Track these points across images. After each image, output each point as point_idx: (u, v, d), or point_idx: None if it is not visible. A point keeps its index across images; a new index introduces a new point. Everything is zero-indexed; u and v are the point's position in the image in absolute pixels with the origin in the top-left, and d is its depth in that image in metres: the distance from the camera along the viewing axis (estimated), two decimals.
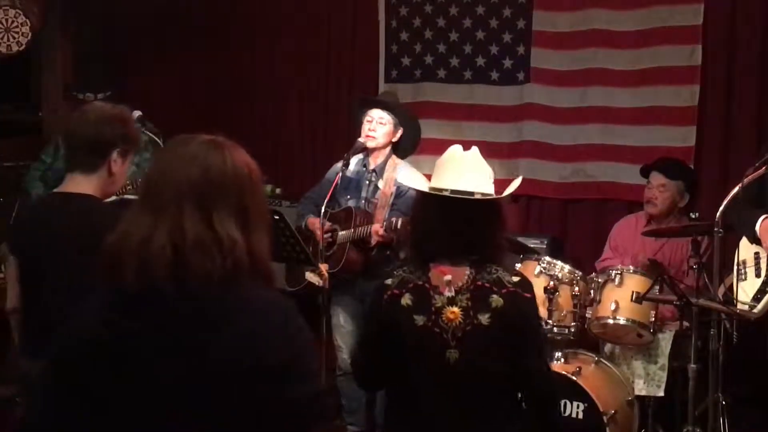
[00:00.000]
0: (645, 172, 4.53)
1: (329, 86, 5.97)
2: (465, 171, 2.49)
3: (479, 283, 2.42)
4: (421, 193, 2.58)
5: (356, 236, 4.07)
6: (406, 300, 2.44)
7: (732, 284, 3.78)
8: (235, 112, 6.18)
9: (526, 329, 2.46)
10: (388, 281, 2.50)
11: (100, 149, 2.69)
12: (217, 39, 6.22)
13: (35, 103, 5.99)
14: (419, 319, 2.43)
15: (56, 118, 5.88)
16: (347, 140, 4.88)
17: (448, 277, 2.43)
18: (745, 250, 3.78)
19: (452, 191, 2.45)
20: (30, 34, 5.43)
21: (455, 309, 2.41)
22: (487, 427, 2.45)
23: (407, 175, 3.55)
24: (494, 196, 2.49)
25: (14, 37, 5.38)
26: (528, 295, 2.46)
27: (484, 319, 2.40)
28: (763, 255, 3.66)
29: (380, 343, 2.52)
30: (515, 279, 2.45)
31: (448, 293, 2.43)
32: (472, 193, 2.45)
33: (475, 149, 2.57)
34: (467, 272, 2.44)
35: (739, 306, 3.60)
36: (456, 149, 2.57)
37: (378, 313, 2.54)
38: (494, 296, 2.40)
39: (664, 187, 4.40)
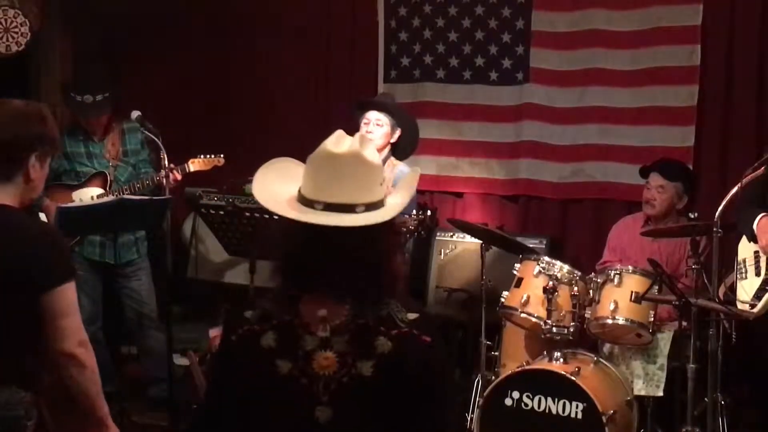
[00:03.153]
0: (644, 173, 4.53)
1: (329, 86, 5.97)
2: (343, 175, 1.87)
3: (362, 321, 1.87)
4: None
5: None
6: (267, 340, 1.88)
7: (732, 284, 3.79)
8: (234, 112, 6.18)
9: (422, 384, 1.87)
10: (247, 314, 1.94)
11: (15, 155, 2.44)
12: (217, 39, 6.21)
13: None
14: (283, 366, 1.86)
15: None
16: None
17: (323, 312, 1.87)
18: (745, 249, 3.79)
19: (326, 205, 1.85)
20: (29, 35, 5.43)
21: (329, 354, 1.86)
22: None
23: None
24: (378, 217, 1.87)
25: (13, 38, 5.38)
26: (427, 339, 1.88)
27: (365, 368, 1.85)
28: (762, 254, 3.67)
29: (223, 397, 1.96)
30: (411, 317, 1.90)
31: (322, 333, 1.87)
32: (352, 207, 1.85)
33: (354, 138, 1.95)
34: (348, 307, 1.89)
35: (740, 305, 3.61)
36: (330, 143, 1.93)
37: (224, 356, 1.98)
38: (381, 339, 1.86)
39: (663, 189, 4.41)
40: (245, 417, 1.92)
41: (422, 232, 3.75)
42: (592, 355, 4.11)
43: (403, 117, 4.34)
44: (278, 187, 1.96)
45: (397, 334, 1.87)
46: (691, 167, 4.79)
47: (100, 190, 4.80)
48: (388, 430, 1.88)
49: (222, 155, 4.90)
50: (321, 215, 1.84)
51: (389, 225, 1.92)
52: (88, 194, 4.78)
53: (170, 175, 4.67)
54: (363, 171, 1.88)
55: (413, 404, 1.88)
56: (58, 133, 2.66)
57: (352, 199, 1.85)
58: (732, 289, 3.79)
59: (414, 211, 3.81)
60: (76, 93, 4.81)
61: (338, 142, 1.93)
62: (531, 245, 4.71)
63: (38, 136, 2.48)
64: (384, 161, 4.23)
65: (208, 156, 4.86)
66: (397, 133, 4.27)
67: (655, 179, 4.45)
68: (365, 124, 4.27)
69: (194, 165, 4.81)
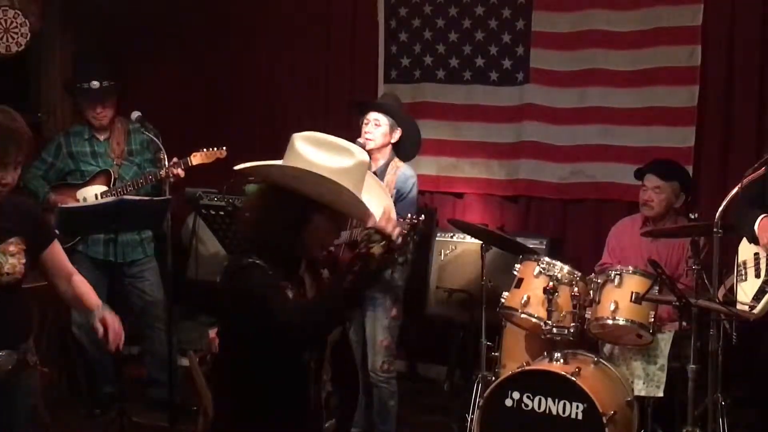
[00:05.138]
0: (639, 175, 4.53)
1: (329, 86, 5.97)
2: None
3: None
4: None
5: (352, 238, 4.07)
6: None
7: (732, 285, 3.78)
8: (234, 113, 6.18)
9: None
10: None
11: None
12: (217, 40, 6.22)
13: (34, 104, 5.98)
14: None
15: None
16: (347, 140, 4.88)
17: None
18: (746, 250, 3.79)
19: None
20: (29, 35, 5.43)
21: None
22: None
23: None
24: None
25: (13, 38, 5.38)
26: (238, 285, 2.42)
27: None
28: (762, 255, 3.67)
29: None
30: (246, 262, 2.40)
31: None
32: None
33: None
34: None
35: (740, 306, 3.61)
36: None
37: None
38: (224, 269, 2.52)
39: (659, 189, 4.41)
40: None
41: (415, 236, 3.74)
42: (593, 356, 4.11)
43: (403, 117, 4.34)
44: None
45: (226, 267, 2.49)
46: (691, 168, 4.79)
47: (104, 188, 4.80)
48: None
49: (224, 147, 4.89)
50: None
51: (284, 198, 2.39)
52: (92, 192, 4.79)
53: (173, 171, 4.67)
54: (291, 154, 2.42)
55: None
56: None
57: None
58: (732, 291, 3.79)
59: (409, 214, 3.81)
60: (82, 81, 4.82)
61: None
62: (531, 246, 4.71)
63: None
64: (387, 163, 4.25)
65: (210, 149, 4.86)
66: (397, 133, 4.27)
67: (651, 180, 4.44)
68: (364, 124, 4.29)
69: (196, 158, 4.81)
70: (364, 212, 2.39)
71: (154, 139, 4.80)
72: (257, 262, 2.36)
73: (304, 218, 2.40)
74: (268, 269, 2.36)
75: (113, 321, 2.85)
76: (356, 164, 2.37)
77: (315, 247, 2.48)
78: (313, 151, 2.35)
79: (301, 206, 2.38)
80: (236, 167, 2.43)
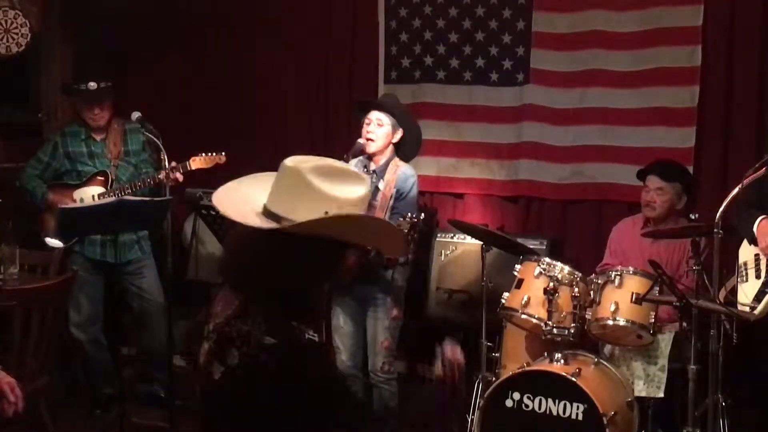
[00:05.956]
0: (641, 176, 4.53)
1: (329, 87, 5.97)
2: (283, 187, 1.97)
3: (227, 329, 1.95)
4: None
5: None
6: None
7: (733, 287, 3.78)
8: (234, 113, 6.19)
9: (247, 408, 1.87)
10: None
11: None
12: (217, 40, 6.22)
13: (35, 105, 5.99)
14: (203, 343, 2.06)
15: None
16: (347, 141, 4.89)
17: (217, 308, 2.00)
18: (746, 251, 3.79)
19: (265, 209, 1.97)
20: (29, 35, 5.43)
21: (206, 347, 2.00)
22: None
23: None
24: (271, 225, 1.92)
25: (14, 38, 5.38)
26: (272, 368, 1.87)
27: (217, 371, 1.95)
28: (763, 256, 3.67)
29: None
30: (269, 341, 1.91)
31: (210, 326, 2.01)
32: (279, 218, 1.93)
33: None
34: (230, 310, 1.97)
35: (740, 307, 3.61)
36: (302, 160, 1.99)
37: None
38: (234, 351, 1.92)
39: (661, 190, 4.41)
40: None
41: (415, 235, 3.75)
42: (593, 356, 4.11)
43: (405, 117, 4.34)
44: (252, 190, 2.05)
45: (245, 352, 1.90)
46: (691, 168, 4.78)
47: (101, 189, 4.80)
48: None
49: (223, 153, 4.89)
50: (258, 217, 1.95)
51: (299, 247, 1.92)
52: (89, 193, 4.78)
53: (171, 174, 4.67)
54: (304, 190, 1.91)
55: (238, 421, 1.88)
56: None
57: (286, 213, 1.91)
58: (733, 293, 3.79)
59: (410, 214, 3.81)
60: (80, 83, 4.83)
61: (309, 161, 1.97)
62: (531, 246, 4.71)
63: None
64: (387, 162, 4.25)
65: (209, 154, 4.86)
66: (399, 133, 4.27)
67: (654, 181, 4.45)
68: (366, 123, 4.27)
69: (195, 163, 4.81)
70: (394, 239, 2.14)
71: (155, 139, 4.80)
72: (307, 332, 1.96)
73: (339, 260, 2.05)
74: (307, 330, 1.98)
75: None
76: (368, 189, 2.03)
77: (343, 278, 2.30)
78: (336, 187, 1.94)
79: (337, 250, 2.02)
80: (284, 227, 1.93)
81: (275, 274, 1.93)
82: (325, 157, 2.03)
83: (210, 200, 4.87)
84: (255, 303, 1.95)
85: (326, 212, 1.90)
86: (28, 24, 5.40)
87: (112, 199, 4.61)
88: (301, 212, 1.89)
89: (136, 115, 4.84)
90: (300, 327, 1.95)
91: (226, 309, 1.96)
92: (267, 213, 1.95)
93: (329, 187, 1.92)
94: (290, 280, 1.94)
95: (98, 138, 4.91)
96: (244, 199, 2.02)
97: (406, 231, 3.78)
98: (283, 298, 1.95)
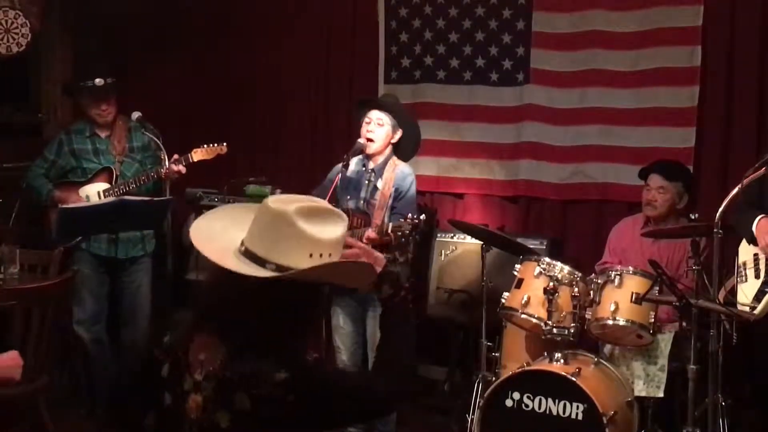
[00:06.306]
0: (643, 175, 4.53)
1: (329, 87, 5.97)
2: (267, 228, 1.93)
3: (228, 374, 1.89)
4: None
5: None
6: (164, 370, 1.99)
7: (733, 287, 3.78)
8: (235, 113, 6.19)
9: None
10: (165, 338, 2.06)
11: None
12: (218, 40, 6.22)
13: (35, 105, 5.99)
14: (168, 398, 1.98)
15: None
16: (347, 140, 4.89)
17: (202, 356, 1.93)
18: (745, 251, 3.79)
19: (246, 251, 1.93)
20: (30, 36, 5.43)
21: (198, 398, 1.92)
22: None
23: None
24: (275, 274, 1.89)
25: (14, 38, 5.38)
26: (291, 399, 1.85)
27: (223, 419, 1.88)
28: (762, 256, 3.67)
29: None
30: (281, 376, 1.86)
31: (198, 377, 1.92)
32: (263, 261, 1.90)
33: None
34: (221, 356, 1.91)
35: (740, 307, 3.61)
36: (283, 199, 1.97)
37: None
38: (241, 395, 1.86)
39: (663, 189, 4.41)
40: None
41: (416, 236, 3.75)
42: (593, 356, 4.11)
43: (405, 117, 4.34)
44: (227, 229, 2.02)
45: (256, 394, 1.85)
46: (691, 168, 4.78)
47: (106, 185, 4.81)
48: None
49: (225, 143, 4.88)
50: (237, 259, 1.91)
51: (296, 289, 1.92)
52: (95, 190, 4.79)
53: (174, 167, 4.67)
54: (289, 233, 1.89)
55: None
56: None
57: (268, 255, 1.89)
58: (733, 293, 3.79)
59: (410, 214, 3.81)
60: (85, 80, 4.82)
61: (293, 201, 1.94)
62: (531, 246, 4.71)
63: None
64: (386, 161, 4.25)
65: (210, 145, 4.85)
66: (398, 133, 4.28)
67: (655, 180, 4.45)
68: (366, 123, 4.27)
69: (197, 155, 4.81)
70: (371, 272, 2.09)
71: (155, 139, 4.81)
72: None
73: (321, 296, 2.06)
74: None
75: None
76: (345, 227, 2.01)
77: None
78: (319, 229, 1.92)
79: (322, 294, 2.04)
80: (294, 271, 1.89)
81: (275, 320, 1.93)
82: (302, 196, 2.02)
83: (210, 200, 4.89)
84: (250, 347, 1.91)
85: (311, 254, 1.89)
86: (28, 24, 5.40)
87: (113, 199, 4.61)
88: (287, 255, 1.88)
89: (136, 114, 4.85)
90: (304, 353, 1.98)
91: (213, 356, 1.91)
92: (246, 252, 1.92)
93: (312, 229, 1.91)
94: (288, 323, 1.95)
95: (103, 135, 4.91)
96: (221, 235, 2.00)
97: (407, 232, 3.78)
98: (285, 335, 1.95)
